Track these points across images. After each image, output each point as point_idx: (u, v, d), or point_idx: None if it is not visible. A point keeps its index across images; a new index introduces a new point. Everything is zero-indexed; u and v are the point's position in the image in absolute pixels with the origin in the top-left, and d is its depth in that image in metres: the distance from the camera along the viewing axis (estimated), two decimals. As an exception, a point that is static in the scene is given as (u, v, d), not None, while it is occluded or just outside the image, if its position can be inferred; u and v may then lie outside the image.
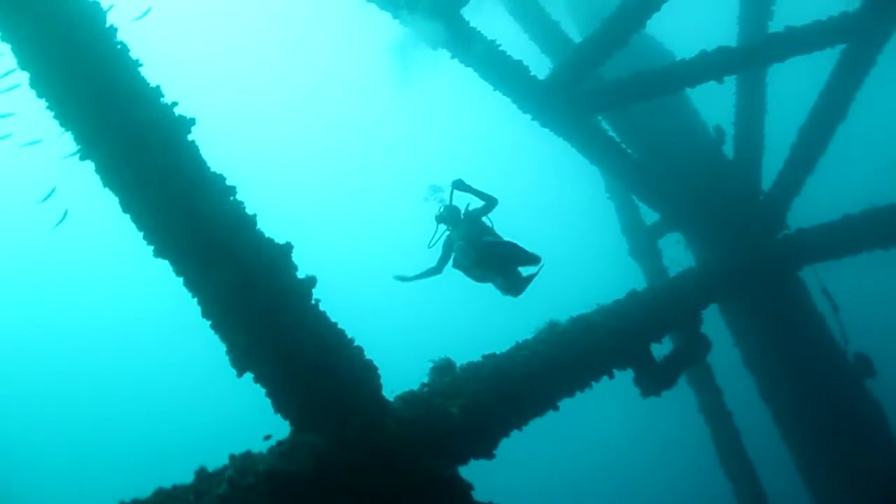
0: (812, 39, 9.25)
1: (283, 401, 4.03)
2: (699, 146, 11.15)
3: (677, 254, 11.40)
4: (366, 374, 4.15)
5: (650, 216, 11.74)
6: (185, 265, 3.98)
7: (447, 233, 8.34)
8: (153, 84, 4.10)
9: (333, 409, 3.95)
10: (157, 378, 48.52)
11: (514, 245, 7.75)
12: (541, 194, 50.39)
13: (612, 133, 10.45)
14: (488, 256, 7.67)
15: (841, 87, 9.58)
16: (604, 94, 9.62)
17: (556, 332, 5.89)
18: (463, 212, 8.25)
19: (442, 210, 8.30)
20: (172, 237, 3.92)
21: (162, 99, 4.11)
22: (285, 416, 4.08)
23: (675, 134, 11.27)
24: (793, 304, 10.35)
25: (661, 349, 7.65)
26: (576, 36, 11.81)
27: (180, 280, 4.09)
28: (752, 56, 9.68)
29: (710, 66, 9.34)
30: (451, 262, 8.00)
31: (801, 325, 10.20)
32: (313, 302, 4.18)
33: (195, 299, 4.09)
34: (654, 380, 7.24)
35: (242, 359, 4.02)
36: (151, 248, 4.00)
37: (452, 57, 8.91)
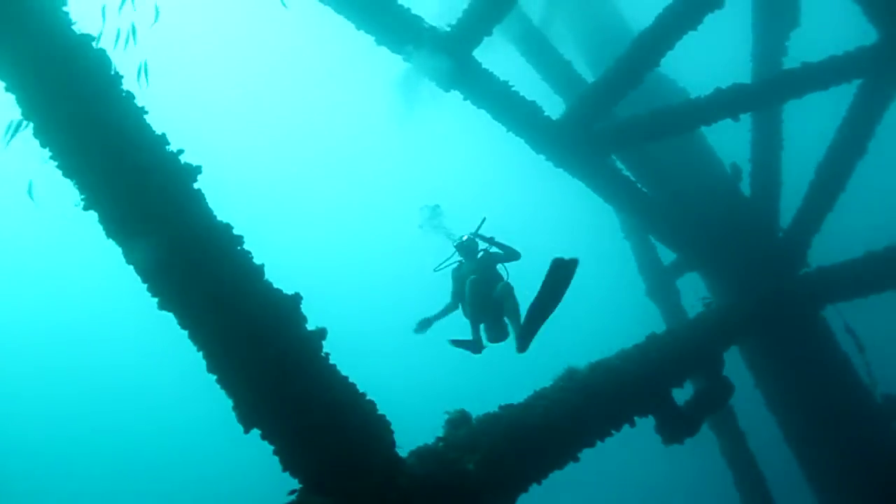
0: (827, 75, 9.12)
1: (291, 459, 3.85)
2: (715, 184, 11.00)
3: (693, 299, 11.13)
4: (378, 429, 3.97)
5: (667, 256, 11.54)
6: (190, 319, 3.84)
7: (457, 264, 8.23)
8: (158, 132, 4.01)
9: (344, 469, 3.76)
10: (152, 377, 48.03)
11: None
12: (556, 235, 50.18)
13: (626, 172, 10.33)
14: (494, 301, 7.61)
15: (859, 122, 9.44)
16: (618, 134, 9.51)
17: (575, 380, 5.69)
18: (482, 250, 8.17)
19: (464, 239, 8.21)
20: (177, 290, 3.78)
21: (168, 147, 4.02)
22: (293, 474, 3.90)
23: (691, 172, 11.13)
24: (815, 344, 10.08)
25: (682, 394, 7.43)
26: (588, 75, 11.79)
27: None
28: (766, 93, 9.57)
29: (725, 103, 9.23)
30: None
31: (824, 365, 9.92)
32: (323, 354, 4.02)
33: (200, 353, 3.94)
34: (676, 427, 6.98)
35: (249, 416, 3.85)
36: (155, 300, 3.86)
37: (465, 98, 8.84)
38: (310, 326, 4.09)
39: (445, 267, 8.31)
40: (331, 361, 4.05)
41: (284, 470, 3.90)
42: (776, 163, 10.57)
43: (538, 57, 11.16)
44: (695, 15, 8.74)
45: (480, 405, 5.19)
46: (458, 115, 10.72)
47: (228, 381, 3.90)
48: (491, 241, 8.07)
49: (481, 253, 8.18)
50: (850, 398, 9.73)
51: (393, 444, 4.04)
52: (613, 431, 5.86)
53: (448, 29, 8.36)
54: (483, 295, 7.65)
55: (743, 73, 10.71)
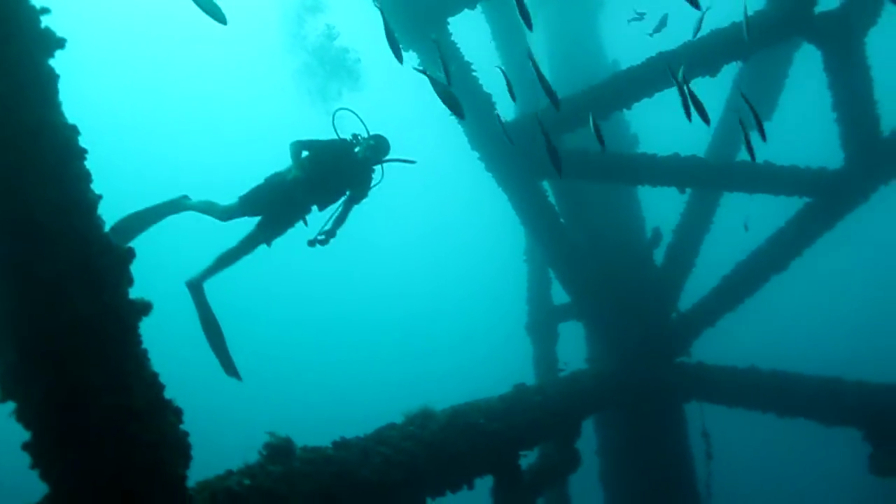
0: (782, 183, 8.77)
1: (40, 459, 2.84)
2: (632, 242, 10.55)
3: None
4: (169, 452, 3.02)
5: (559, 296, 11.03)
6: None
7: None
8: None
9: (104, 492, 2.80)
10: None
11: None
12: (456, 223, 49.59)
13: (551, 197, 9.69)
14: None
15: (791, 239, 9.12)
16: (564, 161, 8.78)
17: (428, 429, 4.93)
18: None
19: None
20: None
21: None
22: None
23: (613, 221, 10.61)
24: (666, 436, 9.85)
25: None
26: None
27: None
28: (717, 177, 9.18)
29: (676, 171, 8.75)
30: None
31: (667, 460, 9.69)
32: (135, 338, 3.03)
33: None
34: (514, 494, 6.38)
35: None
36: None
37: (418, 66, 7.86)
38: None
39: None
40: (143, 347, 3.07)
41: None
42: (697, 244, 10.25)
43: (505, 40, 10.30)
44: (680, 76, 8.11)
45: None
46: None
47: None
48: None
49: None
50: (678, 500, 9.57)
51: (183, 478, 3.10)
52: (449, 493, 5.16)
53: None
54: None
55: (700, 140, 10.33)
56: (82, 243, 2.97)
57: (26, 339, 2.83)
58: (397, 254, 50.00)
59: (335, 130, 6.64)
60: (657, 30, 10.13)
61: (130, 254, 3.11)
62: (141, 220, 6.43)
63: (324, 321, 45.07)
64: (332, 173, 6.53)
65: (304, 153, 6.60)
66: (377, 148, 6.70)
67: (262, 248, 6.68)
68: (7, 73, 2.96)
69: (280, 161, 6.69)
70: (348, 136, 6.77)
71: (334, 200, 6.69)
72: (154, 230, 6.56)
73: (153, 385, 3.02)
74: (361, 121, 6.68)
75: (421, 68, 4.82)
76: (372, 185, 6.74)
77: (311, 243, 6.66)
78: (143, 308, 3.11)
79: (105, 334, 2.92)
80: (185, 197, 6.73)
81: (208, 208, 6.65)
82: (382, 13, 4.59)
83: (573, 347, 10.79)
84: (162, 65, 48.59)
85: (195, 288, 6.40)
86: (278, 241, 6.78)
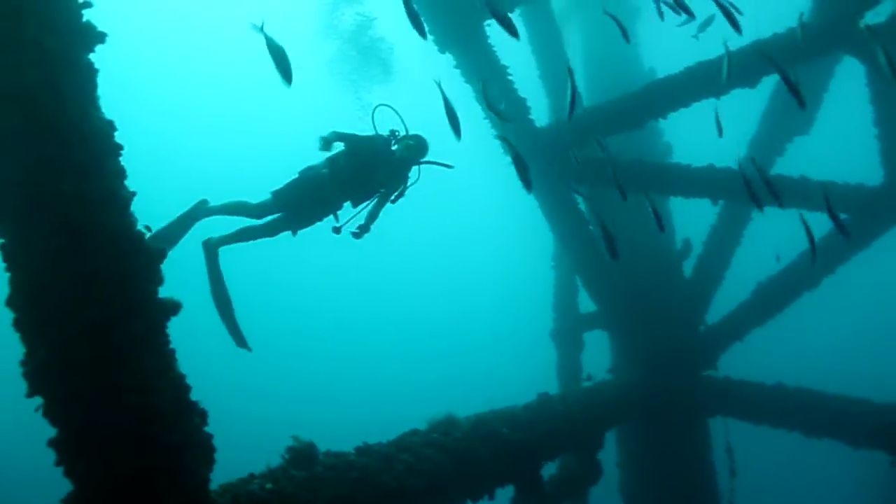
0: (816, 197, 8.54)
1: (67, 462, 2.83)
2: (661, 253, 10.40)
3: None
4: (193, 456, 3.00)
5: (585, 304, 10.92)
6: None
7: None
8: None
9: (122, 496, 2.78)
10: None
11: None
12: (484, 227, 49.05)
13: (582, 206, 9.60)
14: None
15: (826, 256, 8.94)
16: (592, 168, 8.70)
17: (451, 436, 4.88)
18: None
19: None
20: None
21: None
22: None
23: (643, 231, 10.47)
24: (689, 449, 9.71)
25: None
26: (582, 87, 10.92)
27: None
28: (749, 189, 8.99)
29: (711, 183, 8.60)
30: None
31: (689, 474, 9.56)
32: (163, 339, 3.01)
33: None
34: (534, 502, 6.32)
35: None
36: None
37: (456, 67, 7.82)
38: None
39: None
40: (171, 347, 3.06)
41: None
42: (727, 256, 10.09)
43: (542, 44, 10.17)
44: (715, 86, 8.01)
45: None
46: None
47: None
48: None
49: None
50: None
51: (206, 481, 3.08)
52: (469, 502, 5.11)
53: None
54: None
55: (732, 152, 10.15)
56: (114, 240, 2.95)
57: (55, 336, 2.82)
58: (424, 255, 49.81)
59: (374, 126, 6.45)
60: (701, 29, 9.98)
61: (162, 254, 3.10)
62: (165, 238, 6.11)
63: (348, 321, 45.02)
64: (368, 170, 6.34)
65: (338, 145, 6.41)
66: (416, 147, 6.48)
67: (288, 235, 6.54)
68: (46, 66, 2.95)
69: (311, 152, 6.55)
70: (385, 132, 6.55)
71: (368, 197, 6.50)
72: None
73: (180, 386, 3.00)
74: (401, 118, 6.47)
75: (437, 81, 4.69)
76: (408, 184, 6.54)
77: (337, 230, 6.46)
78: (173, 308, 3.10)
79: (133, 333, 2.91)
80: (204, 201, 6.49)
81: (238, 209, 6.52)
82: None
83: (598, 357, 10.67)
84: (191, 57, 48.87)
85: (210, 251, 6.23)
86: (306, 233, 6.63)
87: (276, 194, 6.41)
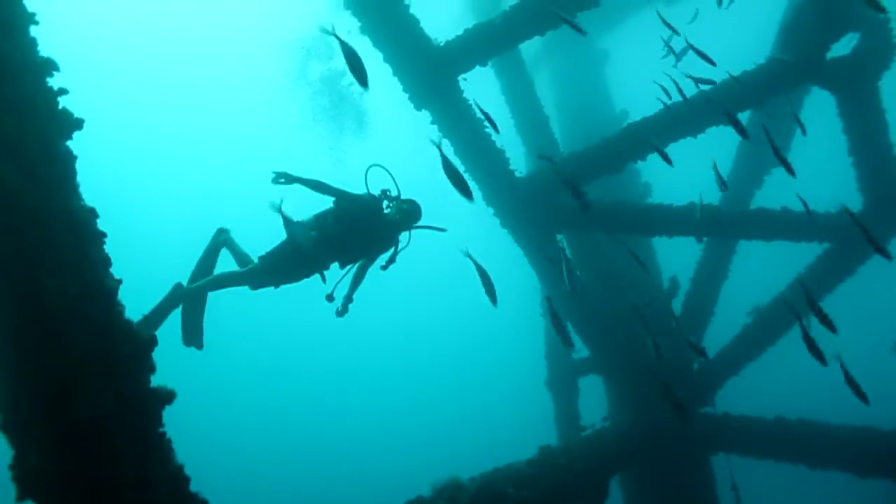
0: (799, 229, 8.65)
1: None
2: (649, 293, 10.39)
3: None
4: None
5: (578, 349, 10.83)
6: None
7: None
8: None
9: None
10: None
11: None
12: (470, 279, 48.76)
13: (568, 251, 9.61)
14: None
15: (811, 285, 8.95)
16: (575, 214, 8.71)
17: (458, 501, 4.74)
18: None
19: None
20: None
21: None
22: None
23: (629, 272, 10.47)
24: (693, 488, 9.56)
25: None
26: (556, 130, 11.00)
27: None
28: (733, 225, 9.04)
29: (694, 221, 8.62)
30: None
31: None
32: (160, 430, 2.88)
33: None
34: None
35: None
36: None
37: (432, 122, 7.85)
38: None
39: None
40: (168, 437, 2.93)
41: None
42: (715, 292, 10.11)
43: (515, 93, 10.25)
44: (693, 124, 8.12)
45: None
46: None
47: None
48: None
49: None
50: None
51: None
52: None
53: (441, 44, 7.32)
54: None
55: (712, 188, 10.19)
56: (100, 332, 2.85)
57: (44, 434, 2.69)
58: (411, 312, 49.34)
59: (367, 186, 6.20)
60: (679, 59, 10.13)
61: (152, 341, 2.99)
62: (152, 322, 5.92)
63: (334, 377, 44.45)
64: (358, 233, 6.13)
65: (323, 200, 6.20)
66: (410, 213, 6.27)
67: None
68: (23, 157, 2.87)
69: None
70: (370, 189, 6.26)
71: (356, 260, 6.32)
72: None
73: (177, 478, 2.87)
74: (394, 181, 6.23)
75: (437, 143, 4.59)
76: (399, 249, 6.33)
77: (330, 298, 6.26)
78: (167, 397, 2.98)
79: (127, 427, 2.79)
80: (179, 285, 6.24)
81: (226, 280, 6.33)
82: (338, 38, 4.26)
83: (593, 401, 10.57)
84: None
85: (179, 295, 6.08)
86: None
87: (264, 259, 6.24)
